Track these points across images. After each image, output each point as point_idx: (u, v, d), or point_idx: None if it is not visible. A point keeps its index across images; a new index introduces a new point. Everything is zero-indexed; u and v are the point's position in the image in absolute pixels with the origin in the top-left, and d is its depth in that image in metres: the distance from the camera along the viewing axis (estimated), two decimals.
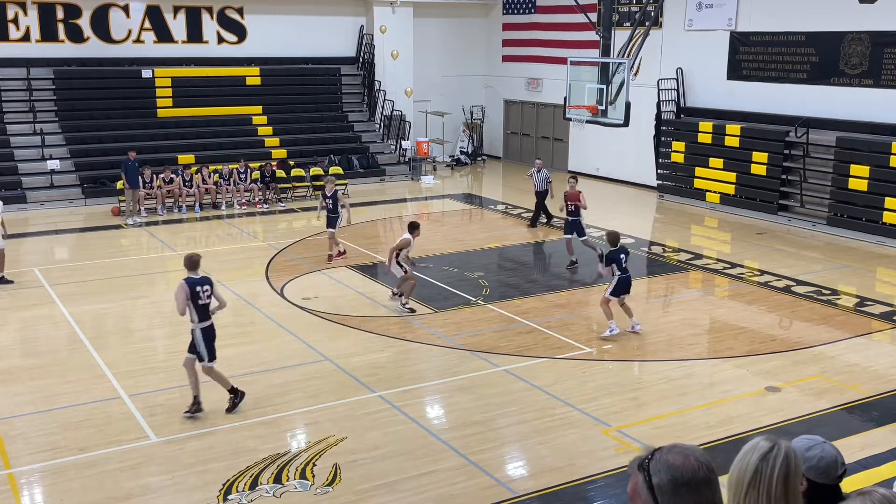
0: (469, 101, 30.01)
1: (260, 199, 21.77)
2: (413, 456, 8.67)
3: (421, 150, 27.48)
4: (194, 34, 25.23)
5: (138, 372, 10.80)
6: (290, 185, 22.66)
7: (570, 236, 16.04)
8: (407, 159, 26.41)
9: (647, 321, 13.10)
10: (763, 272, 15.71)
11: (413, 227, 13.32)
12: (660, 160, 23.20)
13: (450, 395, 10.36)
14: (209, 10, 25.30)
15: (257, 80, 25.68)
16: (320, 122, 26.32)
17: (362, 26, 27.50)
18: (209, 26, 25.40)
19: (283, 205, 21.91)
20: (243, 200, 21.56)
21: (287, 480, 8.11)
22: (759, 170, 20.51)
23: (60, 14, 23.48)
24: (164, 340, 12.23)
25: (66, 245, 18.42)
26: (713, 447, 8.53)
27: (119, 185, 20.56)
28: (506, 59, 29.67)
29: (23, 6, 23.01)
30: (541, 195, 19.03)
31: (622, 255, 12.10)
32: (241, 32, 25.87)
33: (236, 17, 25.74)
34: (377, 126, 27.15)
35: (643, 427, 9.35)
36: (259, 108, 25.51)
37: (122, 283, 14.91)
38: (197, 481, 8.12)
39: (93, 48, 23.90)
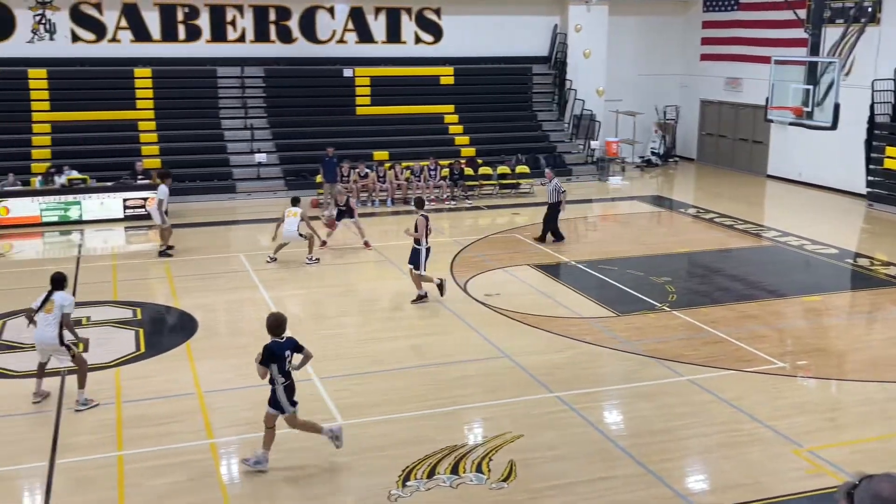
0: (662, 101, 29.20)
1: (448, 196, 22.25)
2: (589, 460, 8.57)
3: (610, 150, 27.07)
4: (393, 34, 26.13)
5: (328, 356, 11.31)
6: (477, 183, 22.99)
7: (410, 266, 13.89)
8: (595, 159, 26.09)
9: (850, 338, 12.24)
10: None
11: (165, 176, 17.07)
12: (871, 166, 21.57)
13: (629, 402, 10.15)
14: (408, 10, 26.12)
15: (451, 80, 26.24)
16: (510, 120, 26.51)
17: (556, 25, 27.42)
18: (407, 27, 26.23)
19: (470, 202, 22.26)
20: (432, 197, 22.11)
21: (464, 472, 8.24)
22: None
23: (272, 16, 25.03)
24: (354, 328, 12.78)
25: (269, 233, 19.59)
26: None
27: (318, 178, 21.70)
28: (704, 57, 28.62)
29: (240, 9, 24.72)
30: (553, 206, 17.62)
31: (287, 352, 8.23)
32: (437, 33, 26.51)
33: (433, 17, 26.40)
34: (566, 125, 27.00)
35: (840, 450, 8.74)
36: (451, 107, 26.05)
37: (318, 271, 15.71)
38: (378, 465, 8.42)
39: (300, 48, 25.31)
